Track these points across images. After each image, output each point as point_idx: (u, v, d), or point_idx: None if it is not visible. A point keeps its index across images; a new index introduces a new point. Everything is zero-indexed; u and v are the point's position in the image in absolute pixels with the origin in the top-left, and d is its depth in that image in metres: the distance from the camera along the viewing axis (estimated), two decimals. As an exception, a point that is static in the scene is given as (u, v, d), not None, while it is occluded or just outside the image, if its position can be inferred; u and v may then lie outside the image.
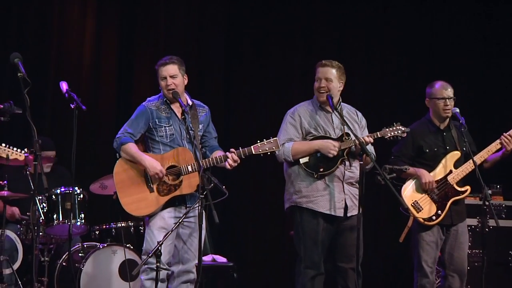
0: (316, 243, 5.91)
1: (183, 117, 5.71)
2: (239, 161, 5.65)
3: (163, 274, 5.57)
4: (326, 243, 5.95)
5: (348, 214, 5.94)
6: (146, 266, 5.57)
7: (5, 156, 5.74)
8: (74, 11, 8.54)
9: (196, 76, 8.79)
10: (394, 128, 5.97)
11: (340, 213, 5.93)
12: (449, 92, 6.32)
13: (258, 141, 5.67)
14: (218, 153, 5.76)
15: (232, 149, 5.65)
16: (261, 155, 5.69)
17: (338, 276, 6.00)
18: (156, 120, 5.73)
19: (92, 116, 8.37)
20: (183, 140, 5.75)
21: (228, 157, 5.62)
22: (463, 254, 6.33)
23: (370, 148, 5.95)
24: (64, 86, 6.40)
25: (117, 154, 5.74)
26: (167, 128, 5.73)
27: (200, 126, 5.81)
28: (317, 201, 5.92)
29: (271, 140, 5.67)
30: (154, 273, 5.53)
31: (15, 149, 5.72)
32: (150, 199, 5.65)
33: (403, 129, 5.98)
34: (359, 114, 6.18)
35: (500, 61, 8.80)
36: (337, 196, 5.92)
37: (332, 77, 6.00)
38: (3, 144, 5.71)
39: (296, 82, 8.93)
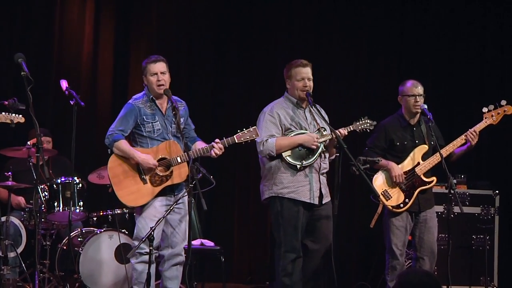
0: (296, 229, 5.95)
1: (174, 112, 5.72)
2: (223, 150, 5.71)
3: (152, 257, 5.59)
4: (302, 228, 6.00)
5: (323, 202, 6.00)
6: (136, 251, 5.58)
7: (9, 121, 5.77)
8: (74, 15, 8.53)
9: (186, 70, 8.81)
10: (363, 122, 6.05)
11: (316, 201, 5.99)
12: (419, 89, 6.38)
13: (239, 131, 5.72)
14: (200, 144, 5.82)
15: (217, 140, 5.69)
16: (243, 143, 5.76)
17: (307, 257, 6.03)
18: (144, 117, 5.72)
19: (90, 112, 8.37)
20: (168, 134, 5.77)
21: (214, 147, 5.66)
22: (432, 237, 6.38)
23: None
24: (64, 84, 6.41)
25: (109, 150, 5.73)
26: (154, 124, 5.73)
27: (182, 120, 5.82)
28: (298, 191, 5.95)
29: (251, 129, 5.73)
30: (144, 257, 5.58)
31: (15, 114, 5.75)
32: (144, 190, 5.67)
33: (370, 122, 6.06)
34: (322, 110, 6.17)
35: (467, 61, 8.83)
36: (314, 186, 5.98)
37: (311, 76, 6.06)
38: (3, 113, 5.75)
39: (278, 77, 8.93)
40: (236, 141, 5.72)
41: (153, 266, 5.62)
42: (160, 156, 5.69)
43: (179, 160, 5.66)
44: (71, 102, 6.38)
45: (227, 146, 5.72)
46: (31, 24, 8.36)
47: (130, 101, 5.83)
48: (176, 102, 5.78)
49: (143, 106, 5.76)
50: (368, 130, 6.09)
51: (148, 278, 5.47)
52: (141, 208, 5.71)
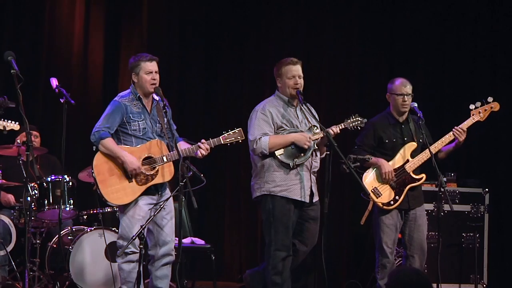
0: (287, 227, 5.96)
1: (164, 110, 5.70)
2: (209, 151, 5.71)
3: (136, 256, 5.59)
4: (292, 226, 6.02)
5: (314, 200, 6.02)
6: (120, 250, 5.57)
7: (2, 128, 5.75)
8: (64, 13, 8.51)
9: (177, 67, 8.79)
10: (354, 119, 6.05)
11: (307, 199, 6.01)
12: (407, 89, 6.39)
13: (224, 132, 5.73)
14: (183, 144, 5.78)
15: (203, 140, 5.69)
16: (228, 145, 5.77)
17: (294, 256, 6.04)
18: (130, 115, 5.68)
19: (81, 110, 8.35)
20: (153, 133, 5.74)
21: (200, 147, 5.66)
22: (422, 235, 6.40)
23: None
24: (54, 82, 6.39)
25: (94, 147, 5.69)
26: (140, 122, 5.69)
27: (165, 120, 5.80)
28: (291, 189, 5.97)
29: (236, 130, 5.75)
30: (130, 256, 5.58)
31: (9, 121, 5.73)
32: (129, 189, 5.63)
33: (361, 119, 6.06)
34: (313, 109, 6.20)
35: (456, 59, 8.85)
36: (306, 184, 5.99)
37: (302, 74, 6.07)
38: None
39: (270, 74, 8.93)
40: (222, 142, 5.73)
41: (136, 265, 5.59)
42: (146, 155, 5.66)
43: (165, 159, 5.64)
44: (61, 100, 6.36)
45: (212, 146, 5.73)
46: (20, 22, 8.34)
47: (116, 98, 5.78)
48: (159, 103, 5.76)
49: (130, 104, 5.71)
50: (359, 128, 6.09)
51: (139, 277, 5.45)
52: (125, 207, 5.67)
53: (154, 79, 5.71)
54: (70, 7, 8.52)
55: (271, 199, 5.99)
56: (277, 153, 5.96)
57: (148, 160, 5.66)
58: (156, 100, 5.78)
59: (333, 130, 5.89)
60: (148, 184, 5.66)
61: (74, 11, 8.52)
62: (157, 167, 5.65)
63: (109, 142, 5.62)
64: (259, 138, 5.94)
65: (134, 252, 5.59)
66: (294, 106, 6.10)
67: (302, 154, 5.94)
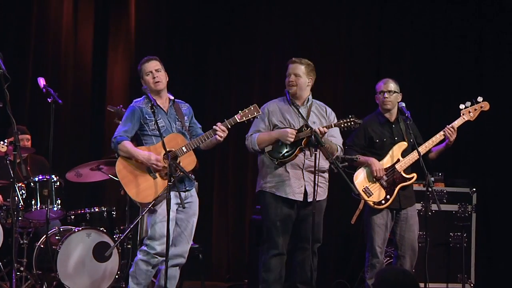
0: (275, 225, 6.01)
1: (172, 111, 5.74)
2: (227, 132, 5.66)
3: (157, 261, 5.62)
4: (289, 225, 6.04)
5: (308, 200, 6.00)
6: (146, 248, 5.58)
7: None
8: (51, 11, 8.49)
9: (165, 65, 8.77)
10: (348, 120, 6.01)
11: (299, 197, 6.02)
12: (388, 86, 6.43)
13: (240, 111, 5.70)
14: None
15: (218, 123, 5.65)
16: (245, 122, 5.71)
17: (296, 253, 6.10)
18: (146, 116, 5.70)
19: (69, 109, 8.35)
20: (173, 130, 5.75)
21: (216, 130, 5.62)
22: (413, 235, 6.42)
23: (340, 139, 6.14)
24: (41, 81, 6.39)
25: (116, 154, 5.72)
26: (157, 121, 5.67)
27: (186, 118, 5.83)
28: (278, 186, 6.02)
29: (251, 107, 5.71)
30: (152, 259, 5.58)
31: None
32: (155, 185, 5.61)
33: (356, 120, 6.03)
34: (328, 109, 6.26)
35: (444, 58, 8.89)
36: (296, 182, 6.01)
37: (300, 73, 6.10)
38: None
39: (258, 79, 8.96)
40: (238, 121, 5.67)
41: (154, 271, 5.66)
42: (165, 150, 5.59)
43: (184, 149, 5.62)
44: (49, 100, 6.35)
45: (229, 127, 5.66)
46: (7, 20, 8.31)
47: (132, 104, 5.82)
48: (177, 103, 5.82)
49: (145, 106, 5.73)
50: (352, 128, 6.06)
51: (148, 279, 5.54)
52: (152, 206, 5.62)
53: (155, 78, 5.74)
54: (58, 5, 8.50)
55: (263, 196, 6.10)
56: (266, 149, 6.04)
57: (170, 153, 5.61)
58: (172, 99, 5.81)
59: (320, 130, 5.90)
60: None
61: (62, 9, 8.51)
62: (179, 159, 5.63)
63: (126, 145, 5.64)
64: (251, 135, 6.07)
65: (156, 256, 5.59)
66: (297, 105, 6.13)
67: (289, 152, 5.97)
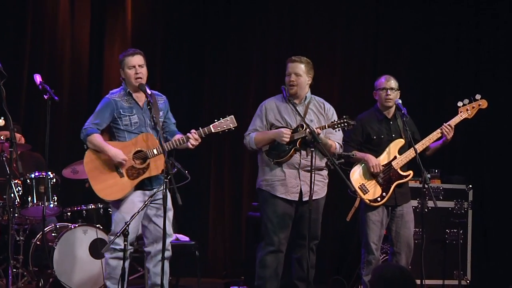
0: (272, 222, 6.01)
1: (149, 107, 5.68)
2: (200, 140, 5.67)
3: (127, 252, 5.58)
4: (288, 222, 6.03)
5: (304, 199, 6.00)
6: (111, 246, 5.55)
7: None
8: (48, 7, 8.48)
9: (160, 66, 8.78)
10: (342, 121, 5.98)
11: (294, 197, 6.01)
12: (391, 83, 6.42)
13: (215, 120, 5.70)
14: (179, 137, 5.74)
15: (192, 130, 5.66)
16: (220, 133, 5.73)
17: (294, 250, 6.12)
18: (120, 110, 5.68)
19: (65, 106, 8.33)
20: (146, 127, 5.72)
21: (190, 138, 5.63)
22: (409, 232, 6.42)
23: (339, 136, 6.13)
24: (37, 78, 6.38)
25: (85, 145, 5.69)
26: (131, 117, 5.69)
27: (161, 113, 5.79)
28: (274, 185, 6.02)
29: (227, 118, 5.72)
30: (119, 253, 5.55)
31: None
32: (122, 184, 5.63)
33: (350, 122, 6.00)
34: (327, 105, 6.23)
35: (441, 55, 8.89)
36: (292, 182, 6.01)
37: (300, 72, 6.07)
38: None
39: (255, 76, 8.94)
40: (213, 131, 5.69)
41: (127, 263, 5.60)
42: (136, 149, 5.64)
43: (155, 152, 5.61)
44: (45, 97, 6.34)
45: (203, 136, 5.68)
46: (2, 16, 8.29)
47: (107, 95, 5.79)
48: (154, 96, 5.75)
49: (120, 99, 5.72)
50: (346, 129, 6.05)
51: (123, 273, 5.45)
52: (118, 203, 5.66)
53: (137, 73, 5.70)
54: (54, 2, 8.49)
55: (260, 194, 6.12)
56: (263, 149, 6.05)
57: (139, 154, 5.64)
58: (149, 93, 5.76)
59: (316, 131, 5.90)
60: (140, 177, 5.64)
61: (58, 5, 8.49)
62: (148, 160, 5.64)
63: (96, 138, 5.63)
64: (248, 134, 6.08)
65: (123, 249, 5.56)
66: (295, 104, 6.09)
67: (284, 152, 5.97)
